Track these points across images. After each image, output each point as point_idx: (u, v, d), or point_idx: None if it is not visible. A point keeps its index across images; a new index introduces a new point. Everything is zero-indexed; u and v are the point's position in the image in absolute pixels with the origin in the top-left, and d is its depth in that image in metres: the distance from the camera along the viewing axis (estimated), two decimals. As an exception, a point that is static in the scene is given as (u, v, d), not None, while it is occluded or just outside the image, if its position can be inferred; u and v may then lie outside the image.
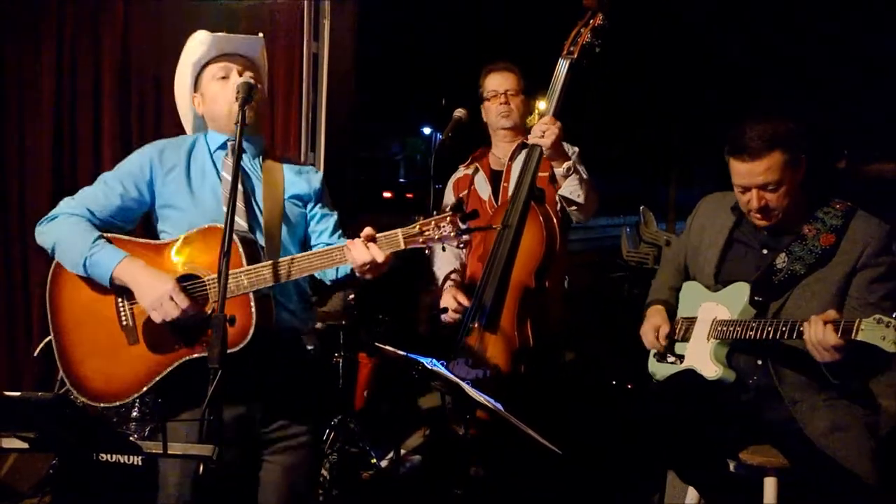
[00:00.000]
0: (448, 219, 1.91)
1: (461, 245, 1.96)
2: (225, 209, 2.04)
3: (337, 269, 2.23)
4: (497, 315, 2.75)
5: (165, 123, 3.66)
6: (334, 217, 2.35)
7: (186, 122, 2.35)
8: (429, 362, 2.19)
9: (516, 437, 2.07)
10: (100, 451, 1.81)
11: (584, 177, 2.79)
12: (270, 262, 2.01)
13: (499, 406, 2.12)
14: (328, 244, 2.25)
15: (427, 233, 1.93)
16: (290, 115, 4.01)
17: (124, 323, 2.10)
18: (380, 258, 1.98)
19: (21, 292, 3.67)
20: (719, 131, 2.43)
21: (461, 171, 3.18)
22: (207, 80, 2.22)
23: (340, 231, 2.34)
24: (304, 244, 2.31)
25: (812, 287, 2.31)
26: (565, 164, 2.73)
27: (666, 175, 11.85)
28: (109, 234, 2.13)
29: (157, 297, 1.99)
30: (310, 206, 2.31)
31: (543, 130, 2.65)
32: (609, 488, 3.40)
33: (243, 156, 2.17)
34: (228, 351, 1.90)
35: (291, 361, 2.22)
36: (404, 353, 2.26)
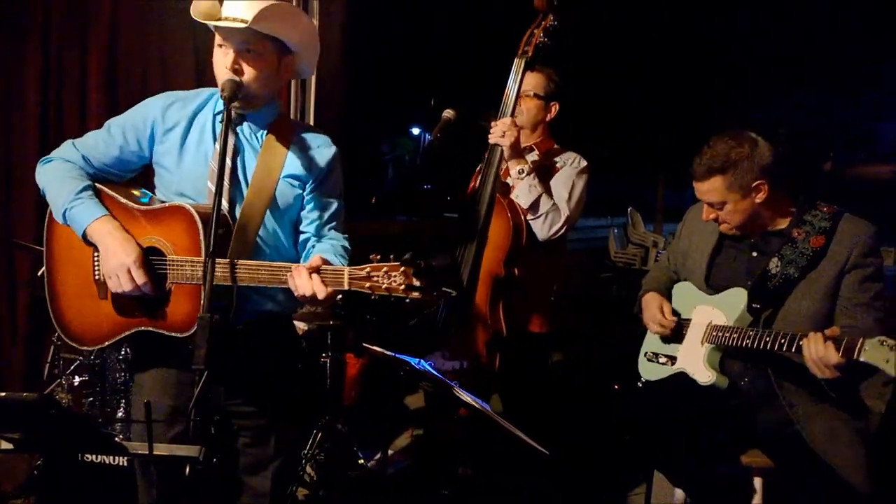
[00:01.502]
0: (401, 269, 1.79)
1: (408, 301, 1.81)
2: (209, 184, 2.06)
3: None
4: (470, 305, 2.81)
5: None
6: (332, 208, 2.19)
7: None
8: (416, 362, 2.19)
9: (504, 436, 2.07)
10: (85, 451, 1.79)
11: (542, 191, 2.79)
12: (227, 260, 1.96)
13: (487, 406, 2.12)
14: (314, 237, 2.17)
15: (375, 279, 1.81)
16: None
17: (97, 277, 2.11)
18: (321, 294, 1.87)
19: (6, 292, 3.64)
20: (709, 133, 2.44)
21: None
22: (215, 40, 2.06)
23: (334, 224, 2.19)
24: (297, 227, 2.20)
25: (803, 288, 2.30)
26: (519, 166, 2.80)
27: (654, 176, 11.87)
28: (99, 186, 2.12)
29: (116, 267, 1.99)
30: (307, 188, 2.16)
31: (504, 131, 2.76)
32: (596, 487, 3.41)
33: (242, 126, 2.11)
34: (174, 334, 1.99)
35: (269, 345, 2.19)
36: (392, 354, 2.26)
